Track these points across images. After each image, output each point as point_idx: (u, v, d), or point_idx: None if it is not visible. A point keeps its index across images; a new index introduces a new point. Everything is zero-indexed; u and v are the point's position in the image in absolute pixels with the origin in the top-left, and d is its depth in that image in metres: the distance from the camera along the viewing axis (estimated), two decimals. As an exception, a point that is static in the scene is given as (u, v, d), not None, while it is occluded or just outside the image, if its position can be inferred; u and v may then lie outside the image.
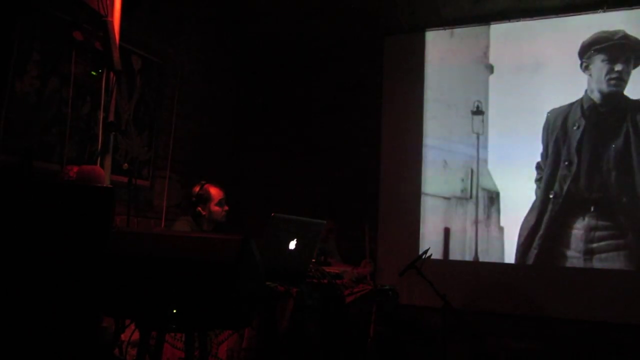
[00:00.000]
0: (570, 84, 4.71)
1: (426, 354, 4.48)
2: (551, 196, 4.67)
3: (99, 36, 3.36)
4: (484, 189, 4.97)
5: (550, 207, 4.67)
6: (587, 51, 4.64)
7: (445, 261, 4.98)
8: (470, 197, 5.00)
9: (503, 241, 4.86)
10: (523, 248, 4.74)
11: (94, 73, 3.60)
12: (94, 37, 3.39)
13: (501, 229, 4.88)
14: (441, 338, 4.06)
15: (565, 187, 4.64)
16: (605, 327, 4.33)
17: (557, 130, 4.72)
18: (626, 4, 4.53)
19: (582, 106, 4.65)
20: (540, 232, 4.68)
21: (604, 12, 4.61)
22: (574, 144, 4.64)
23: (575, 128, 4.64)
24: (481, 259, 4.90)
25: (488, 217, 4.93)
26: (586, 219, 4.53)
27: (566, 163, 4.65)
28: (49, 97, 3.68)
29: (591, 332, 4.35)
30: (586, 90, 4.65)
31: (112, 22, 3.38)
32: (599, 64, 4.60)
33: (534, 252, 4.69)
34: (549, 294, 4.55)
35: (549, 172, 4.72)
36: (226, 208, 3.61)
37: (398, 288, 3.71)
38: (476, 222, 4.96)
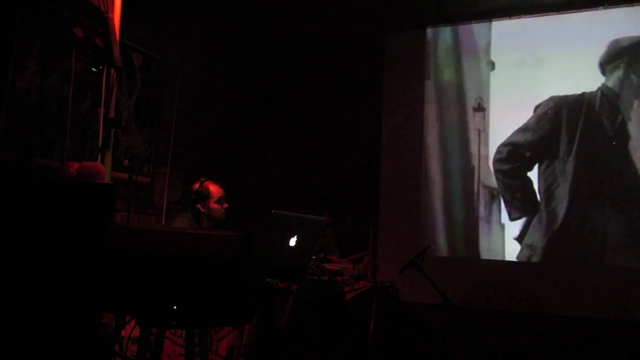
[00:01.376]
0: (571, 81, 4.71)
1: (426, 351, 4.49)
2: (574, 190, 4.61)
3: (100, 32, 3.36)
4: (485, 186, 4.97)
5: (571, 200, 4.62)
6: (633, 49, 4.54)
7: (446, 258, 4.98)
8: (471, 193, 5.00)
9: (504, 238, 4.86)
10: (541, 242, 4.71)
11: (94, 69, 3.60)
12: (95, 33, 3.39)
13: (502, 226, 4.88)
14: (441, 335, 4.07)
15: (588, 181, 4.57)
16: (606, 324, 4.33)
17: (580, 119, 4.64)
18: (627, 0, 4.53)
19: (609, 99, 4.61)
20: (558, 226, 4.64)
21: (605, 8, 4.60)
22: (608, 136, 4.56)
23: (610, 120, 4.56)
24: (482, 256, 4.90)
25: (489, 214, 4.93)
26: (605, 214, 4.49)
27: (591, 155, 4.60)
28: (49, 94, 3.68)
29: (592, 330, 4.36)
30: (620, 83, 4.58)
31: (112, 18, 3.37)
32: None
33: (549, 246, 4.66)
34: (550, 291, 4.55)
35: (572, 165, 4.65)
36: (225, 205, 3.61)
37: (398, 285, 3.71)
38: (477, 219, 4.95)
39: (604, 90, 4.61)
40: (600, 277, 4.43)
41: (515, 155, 4.83)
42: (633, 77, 4.53)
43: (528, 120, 4.82)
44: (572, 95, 4.70)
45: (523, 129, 4.83)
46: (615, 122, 4.55)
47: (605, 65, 4.62)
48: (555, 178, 4.69)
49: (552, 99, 4.76)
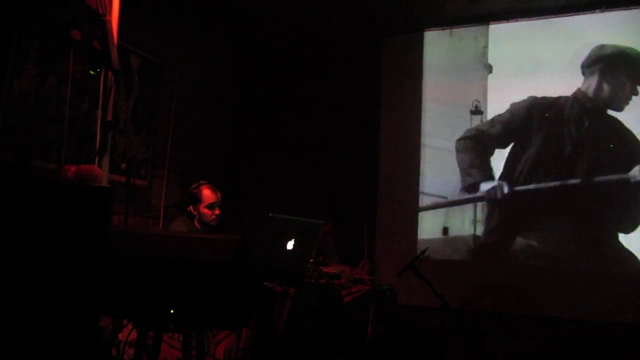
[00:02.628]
0: (568, 83, 4.72)
1: (424, 354, 4.49)
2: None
3: (98, 35, 3.36)
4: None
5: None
6: (610, 59, 4.61)
7: (444, 261, 4.97)
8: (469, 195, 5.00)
9: (501, 240, 4.85)
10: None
11: (92, 72, 3.60)
12: (93, 36, 3.39)
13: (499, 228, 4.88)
14: (439, 338, 4.07)
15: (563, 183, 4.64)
16: (604, 326, 4.33)
17: (548, 123, 4.74)
18: (623, 4, 4.54)
19: (581, 104, 4.65)
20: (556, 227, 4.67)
21: (602, 12, 4.61)
22: (576, 140, 4.64)
23: (576, 125, 4.63)
24: (480, 259, 4.90)
25: (487, 216, 4.93)
26: (604, 215, 4.51)
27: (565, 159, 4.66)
28: (47, 96, 3.67)
29: (589, 332, 4.36)
30: (593, 90, 4.64)
31: (110, 21, 3.38)
32: (622, 78, 4.57)
33: (548, 248, 4.67)
34: (548, 293, 4.56)
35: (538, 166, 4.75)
36: (217, 212, 3.54)
37: (396, 288, 3.72)
38: (474, 221, 4.96)
39: (577, 95, 4.68)
40: (599, 279, 4.43)
41: (479, 142, 4.98)
42: (605, 85, 4.58)
43: (501, 115, 4.93)
44: (549, 98, 4.76)
45: (491, 122, 4.96)
46: (582, 127, 4.60)
47: (584, 68, 4.66)
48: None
49: (528, 99, 4.83)
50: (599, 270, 4.46)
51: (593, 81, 4.63)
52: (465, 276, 4.84)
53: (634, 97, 4.51)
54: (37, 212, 1.91)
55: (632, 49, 4.53)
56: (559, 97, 4.74)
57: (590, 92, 4.63)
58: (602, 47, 4.62)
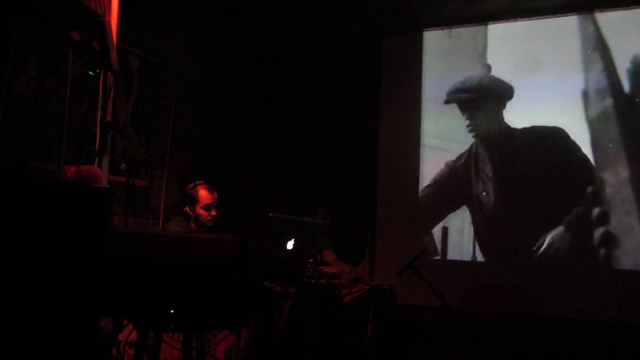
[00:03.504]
0: (567, 84, 4.72)
1: (424, 354, 4.48)
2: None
3: (97, 36, 3.37)
4: (482, 189, 4.97)
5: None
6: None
7: (443, 261, 4.98)
8: (469, 196, 5.00)
9: (501, 241, 4.85)
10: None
11: (91, 73, 3.60)
12: (92, 37, 3.40)
13: (499, 228, 4.88)
14: (439, 338, 4.07)
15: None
16: (604, 326, 4.33)
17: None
18: (622, 4, 4.54)
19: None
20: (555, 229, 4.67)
21: (601, 12, 4.62)
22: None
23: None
24: (479, 259, 4.90)
25: (486, 216, 4.93)
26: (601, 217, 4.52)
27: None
28: (46, 97, 3.67)
29: (589, 332, 4.36)
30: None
31: (109, 22, 3.39)
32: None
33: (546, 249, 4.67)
34: (548, 293, 4.56)
35: None
36: (213, 213, 3.50)
37: (396, 288, 3.71)
38: (474, 221, 4.95)
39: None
40: (599, 280, 4.43)
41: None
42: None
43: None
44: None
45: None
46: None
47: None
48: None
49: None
50: (599, 270, 4.46)
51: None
52: (465, 276, 4.84)
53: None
54: (37, 213, 1.92)
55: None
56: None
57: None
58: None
